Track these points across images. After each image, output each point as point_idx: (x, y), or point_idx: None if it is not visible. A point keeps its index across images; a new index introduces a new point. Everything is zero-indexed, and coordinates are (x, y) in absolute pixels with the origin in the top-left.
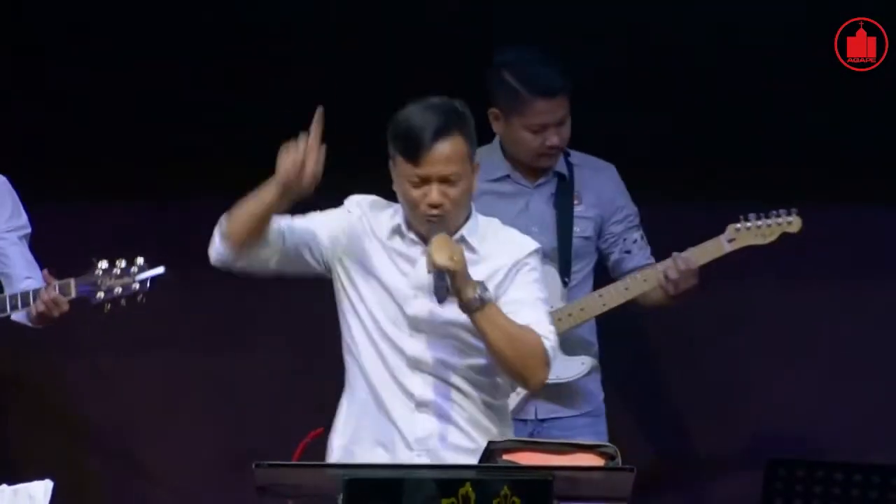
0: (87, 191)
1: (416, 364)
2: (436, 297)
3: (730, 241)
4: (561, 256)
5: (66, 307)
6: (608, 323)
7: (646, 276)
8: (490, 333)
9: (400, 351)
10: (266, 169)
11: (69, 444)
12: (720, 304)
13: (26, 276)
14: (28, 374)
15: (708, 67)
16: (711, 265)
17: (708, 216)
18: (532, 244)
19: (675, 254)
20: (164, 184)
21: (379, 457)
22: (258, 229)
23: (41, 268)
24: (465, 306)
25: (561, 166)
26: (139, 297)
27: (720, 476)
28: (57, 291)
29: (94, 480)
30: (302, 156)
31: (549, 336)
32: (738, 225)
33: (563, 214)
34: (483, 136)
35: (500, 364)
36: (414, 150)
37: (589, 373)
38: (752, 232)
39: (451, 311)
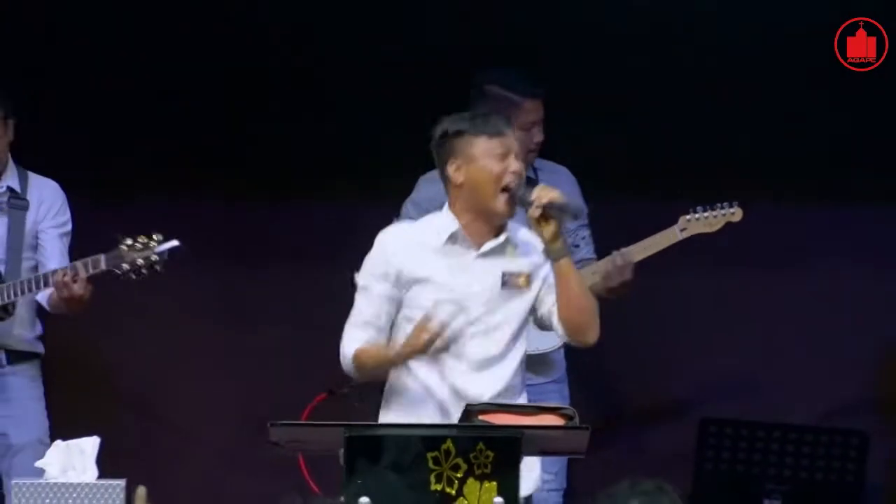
0: (111, 187)
1: (475, 365)
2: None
3: (682, 230)
4: None
5: (78, 291)
6: None
7: (594, 269)
8: (572, 280)
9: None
10: (267, 166)
11: (107, 406)
12: (664, 283)
13: (54, 266)
14: (69, 349)
15: (707, 67)
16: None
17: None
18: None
19: (614, 252)
20: (177, 178)
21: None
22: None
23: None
24: (558, 250)
25: (528, 171)
26: (158, 268)
27: (659, 434)
28: (90, 270)
29: (130, 437)
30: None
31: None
32: (689, 216)
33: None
34: None
35: (573, 312)
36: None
37: (560, 346)
38: (701, 222)
39: (507, 296)
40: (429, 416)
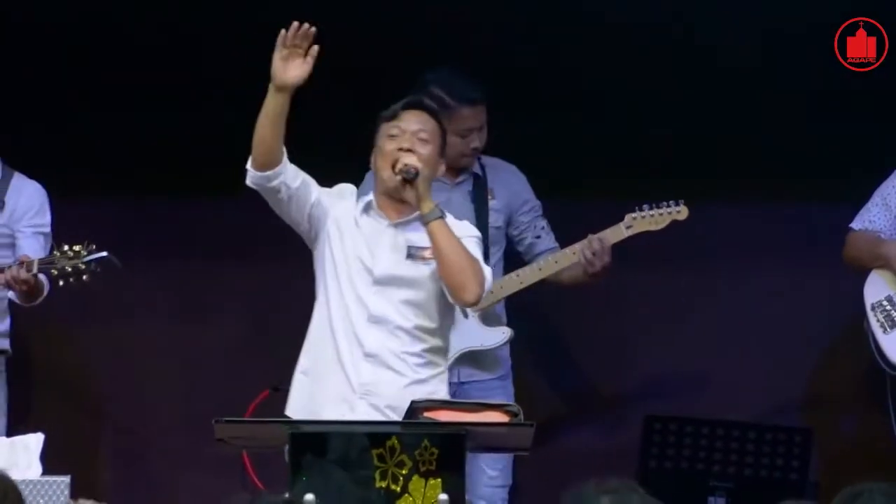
0: (86, 189)
1: (374, 319)
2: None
3: (628, 227)
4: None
5: (40, 291)
6: (515, 300)
7: (557, 258)
8: (443, 240)
9: (364, 305)
10: (213, 161)
11: (54, 403)
12: (609, 281)
13: None
14: (22, 346)
15: (707, 68)
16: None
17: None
18: (476, 231)
19: (590, 235)
20: (152, 181)
21: (343, 413)
22: (273, 141)
23: None
24: (427, 214)
25: (476, 167)
26: (85, 277)
27: (603, 430)
28: (24, 271)
29: (78, 434)
30: (286, 51)
31: (486, 269)
32: (635, 214)
33: (480, 208)
34: None
35: (447, 271)
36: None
37: (506, 342)
38: (647, 220)
39: (412, 269)
40: (328, 358)
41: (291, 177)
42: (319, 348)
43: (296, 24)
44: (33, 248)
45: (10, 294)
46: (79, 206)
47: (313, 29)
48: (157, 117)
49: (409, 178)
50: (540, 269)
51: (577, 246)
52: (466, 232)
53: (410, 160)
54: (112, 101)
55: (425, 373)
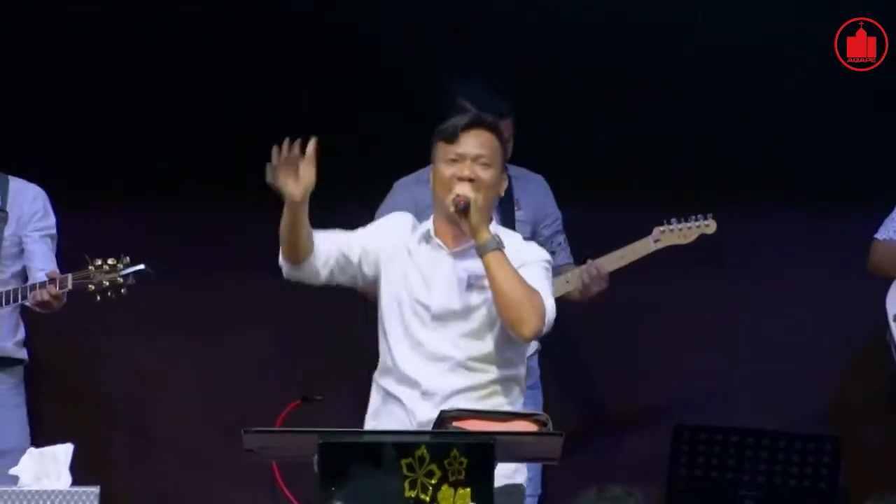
0: (112, 199)
1: (432, 356)
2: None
3: (655, 241)
4: None
5: (62, 302)
6: None
7: (568, 279)
8: (499, 273)
9: (420, 343)
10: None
11: (87, 413)
12: (638, 291)
13: (41, 269)
14: (47, 356)
15: (707, 68)
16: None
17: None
18: (545, 254)
19: (589, 261)
20: (176, 191)
21: None
22: (296, 243)
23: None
24: (481, 246)
25: None
26: (124, 291)
27: (633, 440)
28: (57, 288)
29: (110, 444)
30: (282, 168)
31: (548, 301)
32: (663, 227)
33: (506, 218)
34: None
35: (502, 306)
36: (451, 133)
37: (534, 353)
38: (675, 233)
39: (472, 299)
40: (393, 407)
41: (324, 258)
42: (381, 380)
43: (285, 144)
44: (43, 252)
45: (27, 301)
46: (103, 217)
47: (296, 148)
48: (184, 127)
49: (460, 211)
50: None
51: (573, 273)
52: (534, 256)
53: (463, 190)
54: (135, 111)
55: (490, 405)
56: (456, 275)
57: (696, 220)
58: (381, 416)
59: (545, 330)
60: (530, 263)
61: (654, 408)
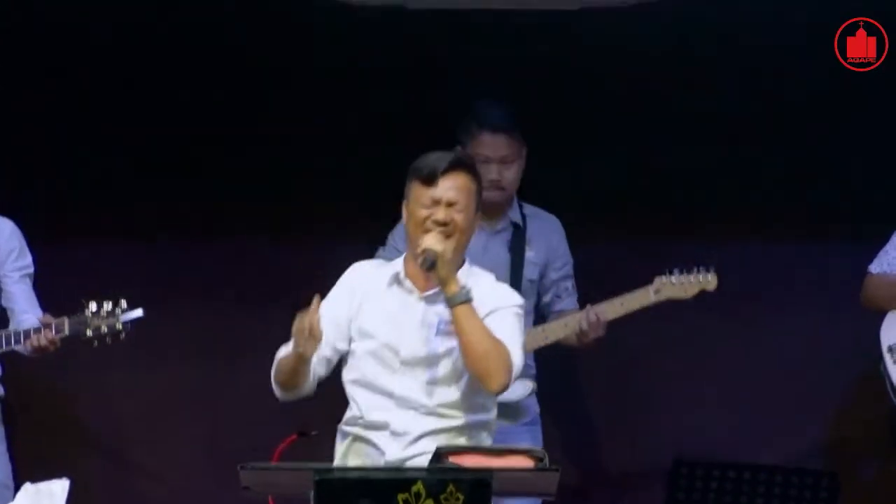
0: (86, 232)
1: (400, 402)
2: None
3: (656, 291)
4: None
5: (58, 345)
6: (543, 350)
7: (567, 322)
8: (466, 326)
9: (387, 390)
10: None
11: (75, 448)
12: (636, 327)
13: (26, 311)
14: (30, 390)
15: (707, 68)
16: None
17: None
18: (518, 298)
19: (588, 306)
20: (156, 225)
21: None
22: (295, 381)
23: (41, 304)
24: (450, 298)
25: (516, 216)
26: (122, 336)
27: (631, 475)
28: (53, 333)
29: (98, 479)
30: (308, 325)
31: (515, 353)
32: (664, 277)
33: (516, 259)
34: None
35: (469, 359)
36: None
37: (530, 393)
38: (676, 287)
39: (442, 344)
40: (362, 446)
41: (314, 377)
42: (347, 427)
43: (305, 327)
44: (24, 292)
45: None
46: (104, 247)
47: (315, 315)
48: (189, 157)
49: (428, 267)
50: (553, 330)
51: (572, 318)
52: (506, 301)
53: (430, 243)
54: (143, 141)
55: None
56: (427, 319)
57: (698, 272)
58: (348, 458)
59: (512, 383)
60: (502, 308)
61: (652, 442)
